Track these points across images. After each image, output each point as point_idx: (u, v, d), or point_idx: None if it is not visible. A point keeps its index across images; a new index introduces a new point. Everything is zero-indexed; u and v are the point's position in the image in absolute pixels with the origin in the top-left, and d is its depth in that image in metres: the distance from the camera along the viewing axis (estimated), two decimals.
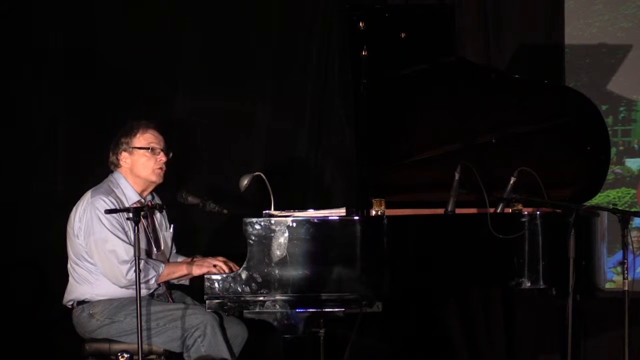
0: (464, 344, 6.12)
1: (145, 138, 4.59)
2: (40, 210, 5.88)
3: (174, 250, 4.84)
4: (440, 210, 4.81)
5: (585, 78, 6.20)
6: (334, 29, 6.06)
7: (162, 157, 4.61)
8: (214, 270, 4.46)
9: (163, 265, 4.53)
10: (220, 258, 4.56)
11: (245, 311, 4.42)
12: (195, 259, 4.70)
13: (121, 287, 4.47)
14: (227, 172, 5.85)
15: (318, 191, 6.09)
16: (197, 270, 4.51)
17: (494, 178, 4.82)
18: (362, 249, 4.43)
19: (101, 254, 4.45)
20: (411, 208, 4.98)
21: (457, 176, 4.75)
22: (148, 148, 4.58)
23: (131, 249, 4.41)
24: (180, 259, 4.81)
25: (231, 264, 4.53)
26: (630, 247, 4.35)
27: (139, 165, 4.58)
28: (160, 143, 4.62)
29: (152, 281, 4.47)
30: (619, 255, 6.08)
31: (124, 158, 4.59)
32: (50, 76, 5.98)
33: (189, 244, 5.07)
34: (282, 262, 4.39)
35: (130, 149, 4.58)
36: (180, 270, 4.57)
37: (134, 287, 4.35)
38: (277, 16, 6.09)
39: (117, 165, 4.61)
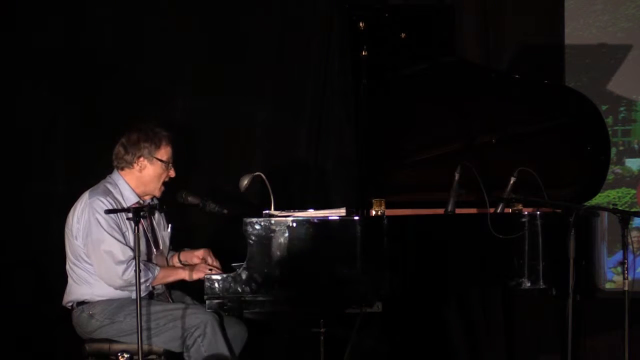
0: (464, 344, 6.12)
1: (167, 152, 4.60)
2: (40, 210, 5.87)
3: (171, 249, 4.84)
4: (440, 210, 4.81)
5: (585, 78, 6.20)
6: (334, 29, 6.06)
7: (172, 173, 4.62)
8: (210, 273, 4.46)
9: (158, 268, 4.53)
10: (201, 251, 4.62)
11: (245, 311, 4.42)
12: (182, 252, 4.71)
13: (116, 288, 4.47)
14: (227, 172, 5.85)
15: (318, 191, 6.09)
16: (194, 276, 4.51)
17: (494, 178, 4.82)
18: (362, 249, 4.43)
19: (97, 254, 4.45)
20: (411, 208, 4.98)
21: (457, 176, 4.76)
22: (168, 163, 4.58)
23: (127, 250, 4.41)
24: (171, 253, 4.81)
25: (210, 260, 4.57)
26: (630, 247, 4.35)
27: (153, 175, 4.58)
28: (172, 158, 4.63)
29: (147, 283, 4.47)
30: (619, 255, 6.08)
31: (142, 163, 4.57)
32: (50, 76, 5.98)
33: (188, 244, 5.06)
34: (282, 262, 4.39)
35: (152, 158, 4.57)
36: (175, 274, 4.57)
37: (129, 288, 4.37)
38: (277, 16, 6.09)
39: (128, 165, 4.58)
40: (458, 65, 5.01)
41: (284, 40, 6.09)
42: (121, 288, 4.47)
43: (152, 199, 4.71)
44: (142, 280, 4.43)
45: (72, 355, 4.75)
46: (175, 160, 4.65)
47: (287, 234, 4.39)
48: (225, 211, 4.57)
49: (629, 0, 6.21)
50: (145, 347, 4.34)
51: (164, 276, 4.54)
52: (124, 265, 4.41)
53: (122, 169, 4.60)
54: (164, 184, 4.63)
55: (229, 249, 4.83)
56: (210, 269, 4.49)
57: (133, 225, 4.25)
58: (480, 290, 5.98)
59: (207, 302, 4.41)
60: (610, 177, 6.01)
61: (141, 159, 4.57)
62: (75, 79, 5.97)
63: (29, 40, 5.97)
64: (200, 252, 4.71)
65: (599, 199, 5.92)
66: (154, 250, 4.65)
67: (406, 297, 5.53)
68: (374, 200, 4.71)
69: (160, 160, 4.57)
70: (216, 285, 4.39)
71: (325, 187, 6.11)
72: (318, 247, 4.41)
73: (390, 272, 4.47)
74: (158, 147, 4.57)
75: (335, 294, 4.42)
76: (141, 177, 4.59)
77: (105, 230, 4.44)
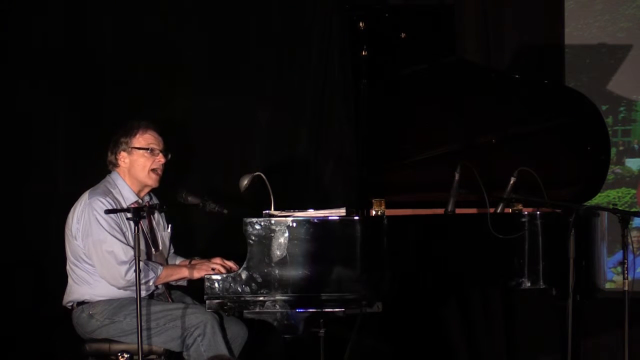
0: (464, 344, 6.12)
1: (145, 139, 4.59)
2: (40, 210, 5.87)
3: (172, 251, 4.84)
4: (440, 210, 4.81)
5: (585, 78, 6.20)
6: (334, 29, 6.06)
7: (160, 159, 4.60)
8: (213, 272, 4.45)
9: (161, 267, 4.53)
10: (217, 259, 4.55)
11: (245, 311, 4.41)
12: (193, 261, 4.69)
13: (119, 288, 4.47)
14: (227, 172, 5.85)
15: (318, 191, 6.09)
16: (196, 274, 4.50)
17: (494, 178, 4.82)
18: (362, 249, 4.43)
19: (99, 255, 4.45)
20: (411, 208, 4.98)
21: (457, 176, 4.76)
22: (147, 149, 4.57)
23: (129, 250, 4.41)
24: (179, 259, 4.81)
25: (228, 264, 4.52)
26: (630, 247, 4.36)
27: (137, 165, 4.58)
28: (159, 144, 4.62)
29: (151, 282, 4.47)
30: (619, 255, 6.08)
31: (123, 158, 4.59)
32: (50, 76, 5.98)
33: (188, 244, 5.07)
34: (282, 262, 4.39)
35: (130, 149, 4.58)
36: (179, 273, 4.56)
37: (132, 288, 4.36)
38: (277, 16, 6.09)
39: (115, 165, 4.61)
40: (458, 65, 5.01)
41: (284, 40, 6.09)
42: (124, 288, 4.46)
43: (150, 197, 4.71)
44: (148, 279, 4.44)
45: (72, 355, 4.75)
46: (169, 149, 4.63)
47: (287, 234, 4.39)
48: (225, 211, 4.57)
49: (629, 0, 6.22)
50: (145, 347, 4.34)
51: (167, 275, 4.54)
52: (127, 266, 4.41)
53: (113, 169, 4.61)
54: (155, 171, 4.59)
55: (229, 249, 4.83)
56: (213, 268, 4.48)
57: (132, 225, 4.25)
58: (480, 290, 5.98)
59: (207, 302, 4.40)
60: (610, 177, 6.01)
61: (121, 154, 4.58)
62: (75, 79, 5.97)
63: (29, 40, 5.97)
64: (215, 260, 4.64)
65: (599, 199, 5.92)
66: (153, 250, 4.64)
67: (406, 297, 5.54)
68: (374, 200, 4.71)
69: (139, 148, 4.57)
70: (216, 285, 4.39)
71: (325, 187, 6.12)
72: (318, 247, 4.41)
73: (390, 272, 4.47)
74: (133, 136, 4.58)
75: (335, 294, 4.41)
76: (129, 171, 4.59)
77: (106, 230, 4.44)
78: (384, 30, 4.83)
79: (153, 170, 4.59)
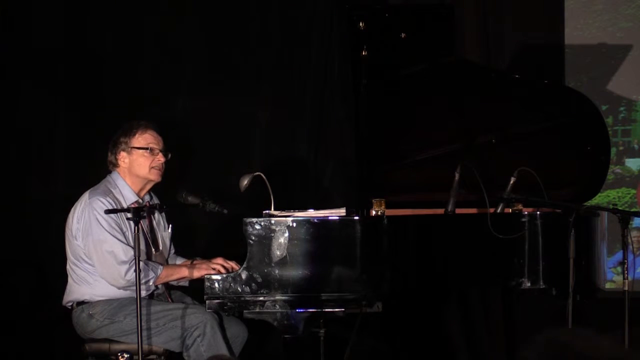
0: (464, 344, 6.12)
1: (144, 138, 4.59)
2: (41, 210, 5.88)
3: (172, 251, 4.83)
4: (440, 210, 4.81)
5: (585, 78, 6.20)
6: (334, 29, 6.06)
7: (160, 158, 4.60)
8: (213, 272, 4.45)
9: (161, 267, 4.53)
10: (219, 259, 4.55)
11: (245, 311, 4.41)
12: (195, 262, 4.69)
13: (119, 288, 4.47)
14: (227, 172, 5.85)
15: (318, 191, 6.09)
16: (196, 274, 4.50)
17: (494, 178, 4.82)
18: (362, 249, 4.43)
19: (99, 254, 4.45)
20: (411, 208, 4.98)
21: (457, 176, 4.75)
22: (147, 148, 4.58)
23: (129, 250, 4.41)
24: (180, 260, 4.80)
25: (230, 264, 4.52)
26: (630, 247, 4.35)
27: (137, 165, 4.58)
28: (159, 144, 4.62)
29: (151, 282, 4.47)
30: (619, 255, 6.08)
31: (123, 158, 4.59)
32: (50, 76, 5.98)
33: (188, 244, 5.06)
34: (282, 262, 4.39)
35: (129, 149, 4.58)
36: (179, 272, 4.56)
37: (132, 288, 4.35)
38: (276, 16, 6.09)
39: (115, 165, 4.61)
40: (458, 65, 5.01)
41: (283, 40, 6.09)
42: (124, 288, 4.46)
43: (151, 197, 4.71)
44: (148, 279, 4.44)
45: (72, 355, 4.75)
46: (168, 148, 4.63)
47: (287, 234, 4.39)
48: (225, 211, 4.57)
49: (629, 0, 6.22)
50: (145, 347, 4.33)
51: (167, 275, 4.54)
52: (127, 266, 4.41)
53: (114, 169, 4.61)
54: (156, 168, 4.58)
55: (229, 249, 4.83)
56: (214, 268, 4.48)
57: (132, 225, 4.25)
58: (480, 290, 5.98)
59: (207, 302, 4.40)
60: (610, 177, 6.01)
61: (121, 154, 4.59)
62: (75, 79, 5.98)
63: (29, 40, 5.97)
64: (216, 260, 4.64)
65: (599, 199, 5.92)
66: (154, 250, 4.64)
67: (406, 297, 5.55)
68: (374, 200, 4.71)
69: (138, 148, 4.57)
70: (216, 285, 4.39)
71: (325, 187, 6.12)
72: (318, 247, 4.40)
73: (390, 272, 4.47)
74: (133, 136, 4.58)
75: (335, 293, 4.41)
76: (129, 170, 4.59)
77: (106, 230, 4.44)
78: (384, 30, 4.83)
79: (153, 167, 4.60)
